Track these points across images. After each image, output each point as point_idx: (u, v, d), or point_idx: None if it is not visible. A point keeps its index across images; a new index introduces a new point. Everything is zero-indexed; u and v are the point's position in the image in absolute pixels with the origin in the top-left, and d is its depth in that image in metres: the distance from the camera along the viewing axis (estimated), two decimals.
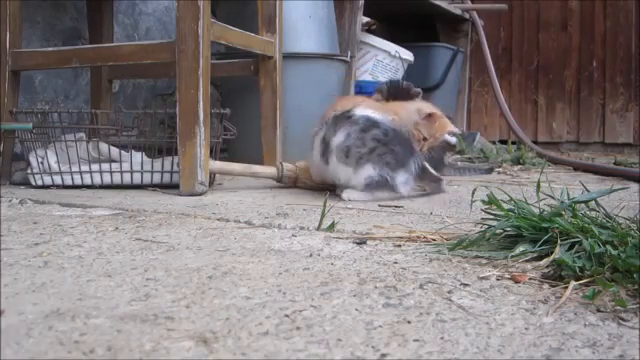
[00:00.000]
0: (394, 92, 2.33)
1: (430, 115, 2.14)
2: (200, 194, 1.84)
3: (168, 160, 2.01)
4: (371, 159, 1.65)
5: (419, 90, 2.32)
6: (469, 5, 4.50)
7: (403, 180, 1.70)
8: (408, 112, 2.22)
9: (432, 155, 2.50)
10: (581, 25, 4.89)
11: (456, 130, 2.24)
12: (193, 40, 1.83)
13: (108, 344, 0.65)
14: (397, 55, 3.46)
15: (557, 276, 0.91)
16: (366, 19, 4.39)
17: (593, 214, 1.09)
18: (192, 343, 0.66)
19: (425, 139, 2.12)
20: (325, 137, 1.74)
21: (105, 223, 1.37)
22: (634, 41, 4.72)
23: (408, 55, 3.57)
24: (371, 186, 1.67)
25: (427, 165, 1.83)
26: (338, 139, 1.69)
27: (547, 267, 0.95)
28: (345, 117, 1.72)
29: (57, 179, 1.99)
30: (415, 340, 0.68)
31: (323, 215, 1.32)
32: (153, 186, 2.01)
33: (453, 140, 3.58)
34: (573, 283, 0.87)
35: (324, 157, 1.74)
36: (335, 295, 0.83)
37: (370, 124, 1.69)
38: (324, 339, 0.67)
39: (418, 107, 2.17)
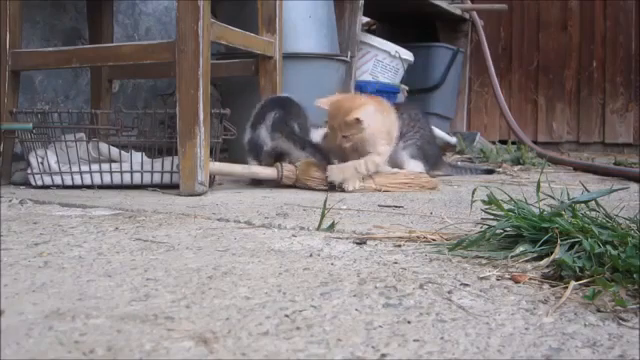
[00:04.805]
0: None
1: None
2: (200, 194, 1.84)
3: (168, 160, 2.01)
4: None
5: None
6: (469, 5, 4.50)
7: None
8: None
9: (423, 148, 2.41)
10: (581, 25, 4.89)
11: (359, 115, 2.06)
12: (193, 40, 1.84)
13: (108, 344, 0.65)
14: (397, 55, 3.46)
15: (557, 276, 0.91)
16: (366, 19, 4.39)
17: (593, 214, 1.09)
18: (192, 343, 0.66)
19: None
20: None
21: (105, 223, 1.37)
22: (634, 41, 4.73)
23: (408, 55, 3.57)
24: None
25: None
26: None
27: (547, 267, 0.95)
28: None
29: (57, 179, 1.99)
30: (415, 340, 0.68)
31: (323, 215, 1.32)
32: (153, 186, 2.01)
33: (453, 140, 3.55)
34: (573, 283, 0.87)
35: None
36: (335, 295, 0.83)
37: None
38: (324, 339, 0.67)
39: None
